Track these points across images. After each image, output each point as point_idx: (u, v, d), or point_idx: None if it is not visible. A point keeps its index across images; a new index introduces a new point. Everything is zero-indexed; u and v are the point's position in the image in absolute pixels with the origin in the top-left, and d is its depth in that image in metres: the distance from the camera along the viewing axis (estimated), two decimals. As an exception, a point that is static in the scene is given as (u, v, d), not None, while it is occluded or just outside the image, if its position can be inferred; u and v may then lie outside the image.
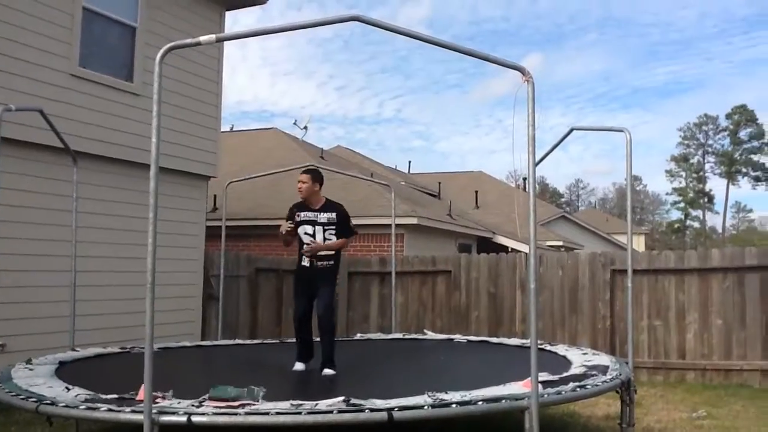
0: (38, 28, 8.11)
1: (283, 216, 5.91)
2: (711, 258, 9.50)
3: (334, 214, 5.79)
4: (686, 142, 69.88)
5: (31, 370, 5.13)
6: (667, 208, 72.26)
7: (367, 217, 13.71)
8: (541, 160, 6.13)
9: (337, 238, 5.79)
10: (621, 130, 5.68)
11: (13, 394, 4.26)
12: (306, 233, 5.73)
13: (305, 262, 5.70)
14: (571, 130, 6.16)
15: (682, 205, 68.70)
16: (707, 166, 69.41)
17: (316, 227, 5.69)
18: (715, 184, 72.28)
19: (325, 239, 5.69)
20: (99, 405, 3.81)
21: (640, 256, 9.89)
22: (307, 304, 5.79)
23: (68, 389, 4.27)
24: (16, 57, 7.87)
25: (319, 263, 5.75)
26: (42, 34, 8.16)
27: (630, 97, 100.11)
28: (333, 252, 5.76)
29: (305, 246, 5.66)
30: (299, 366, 5.82)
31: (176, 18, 9.89)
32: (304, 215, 5.73)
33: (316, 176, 5.87)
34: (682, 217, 68.90)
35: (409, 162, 46.41)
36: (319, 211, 5.74)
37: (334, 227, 5.74)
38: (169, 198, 9.07)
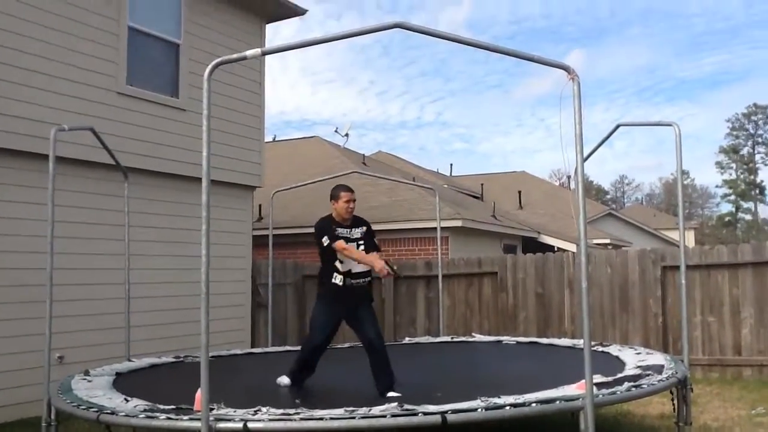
0: (86, 49, 8.35)
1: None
2: (766, 250, 9.26)
3: (364, 228, 5.50)
4: (735, 132, 68.22)
5: (89, 381, 5.27)
6: (717, 202, 70.65)
7: (412, 221, 13.75)
8: (588, 156, 6.06)
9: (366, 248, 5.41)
10: (669, 125, 5.59)
11: (75, 404, 4.39)
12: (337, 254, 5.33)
13: (337, 280, 5.26)
14: (618, 127, 6.08)
15: (732, 197, 67.06)
16: (758, 157, 67.69)
17: (350, 244, 5.30)
18: (766, 175, 70.34)
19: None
20: (158, 414, 3.90)
21: (691, 251, 9.69)
22: (334, 330, 5.43)
23: (127, 400, 4.38)
24: (66, 78, 8.11)
25: (356, 281, 5.32)
26: (89, 55, 8.39)
27: (675, 89, 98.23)
28: (368, 268, 5.34)
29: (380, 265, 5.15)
30: (286, 381, 5.52)
31: (218, 33, 10.08)
32: (339, 232, 5.37)
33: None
34: (733, 209, 67.23)
35: (451, 165, 46.02)
36: (351, 227, 5.43)
37: (363, 242, 5.40)
38: (216, 209, 9.22)
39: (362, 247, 5.38)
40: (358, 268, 5.31)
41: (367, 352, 5.29)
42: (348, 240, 5.33)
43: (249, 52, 3.75)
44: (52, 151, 4.88)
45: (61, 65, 8.06)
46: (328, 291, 5.34)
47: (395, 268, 5.29)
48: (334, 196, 5.46)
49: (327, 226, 5.37)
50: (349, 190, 5.48)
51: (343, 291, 5.28)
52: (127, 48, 8.85)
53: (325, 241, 5.25)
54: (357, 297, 5.34)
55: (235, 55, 3.79)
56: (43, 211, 5.08)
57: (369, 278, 5.40)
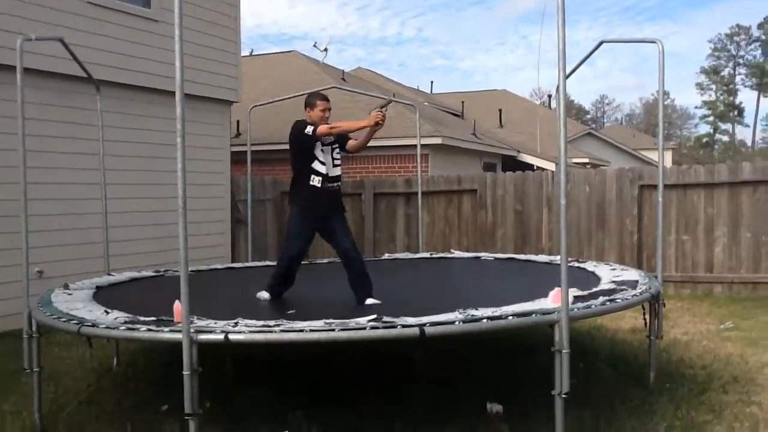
0: (52, -47, 7.97)
1: None
2: (742, 171, 9.36)
3: (335, 144, 5.32)
4: (717, 53, 67.85)
5: (69, 294, 5.27)
6: (695, 122, 70.93)
7: (391, 138, 13.64)
8: (571, 73, 5.97)
9: (341, 149, 5.34)
10: (653, 41, 5.48)
11: (55, 317, 4.38)
12: (317, 159, 5.22)
13: (315, 182, 5.16)
14: (601, 43, 5.95)
15: (711, 118, 67.30)
16: (738, 78, 67.62)
17: (324, 148, 5.22)
18: (746, 97, 70.70)
19: (333, 160, 5.25)
20: (138, 326, 3.91)
21: (669, 170, 9.77)
22: (310, 239, 5.36)
23: (107, 312, 4.39)
24: (32, -16, 7.77)
25: (330, 185, 5.23)
26: (56, -40, 8.02)
27: (659, 8, 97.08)
28: (340, 173, 5.32)
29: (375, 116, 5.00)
30: (266, 295, 5.41)
31: (190, -62, 9.63)
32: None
33: None
34: (711, 131, 67.60)
35: (431, 82, 45.56)
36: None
37: (337, 145, 5.32)
38: (193, 124, 9.03)
39: (335, 152, 5.31)
40: (333, 172, 5.26)
41: (344, 264, 5.33)
42: (323, 144, 5.24)
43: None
44: (20, 61, 4.68)
45: (26, -29, 7.70)
46: (304, 196, 5.25)
47: (384, 104, 5.10)
48: (309, 104, 5.31)
49: (305, 122, 5.24)
50: (326, 98, 5.34)
51: (320, 194, 5.21)
52: (96, -47, 8.46)
53: (309, 129, 5.12)
54: (332, 202, 5.29)
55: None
56: (13, 124, 4.93)
57: (340, 183, 5.36)
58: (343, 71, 19.99)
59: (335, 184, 5.29)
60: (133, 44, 8.94)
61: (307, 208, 5.26)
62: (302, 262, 5.51)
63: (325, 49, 20.30)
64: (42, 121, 7.80)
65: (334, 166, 5.28)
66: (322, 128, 5.10)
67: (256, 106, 9.35)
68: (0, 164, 7.42)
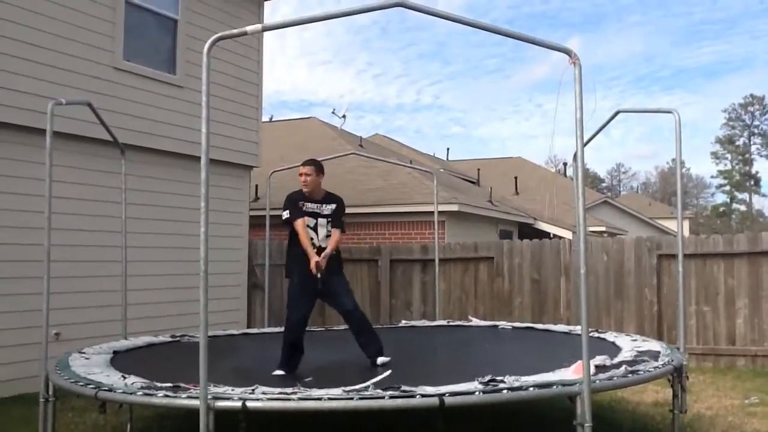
0: (82, 23, 8.26)
1: None
2: (761, 241, 9.27)
3: (334, 206, 5.54)
4: (731, 123, 68.27)
5: (87, 358, 5.26)
6: (712, 192, 70.84)
7: (408, 204, 13.73)
8: (588, 141, 6.03)
9: (332, 227, 5.53)
10: (669, 111, 5.55)
11: (72, 380, 4.37)
12: (307, 225, 5.43)
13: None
14: (617, 113, 6.05)
15: (727, 188, 67.22)
16: (753, 148, 67.82)
17: (319, 220, 5.42)
18: (762, 166, 70.68)
19: (326, 232, 5.44)
20: (155, 392, 3.89)
21: (687, 240, 9.70)
22: (311, 304, 5.45)
23: (124, 377, 4.37)
24: (62, 52, 8.04)
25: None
26: (86, 29, 8.32)
27: (673, 78, 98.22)
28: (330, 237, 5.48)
29: (315, 264, 5.26)
30: (280, 373, 5.25)
31: (216, 9, 9.98)
32: (308, 206, 5.46)
33: (319, 167, 5.60)
34: (728, 200, 67.42)
35: (448, 149, 46.34)
36: (322, 202, 5.49)
37: (331, 219, 5.49)
38: (213, 188, 9.02)
39: (330, 224, 5.50)
40: (324, 242, 5.42)
41: (348, 323, 5.40)
42: (318, 215, 5.45)
43: (249, 28, 3.70)
44: (50, 125, 4.83)
45: (56, 38, 7.98)
46: (297, 264, 5.38)
47: (320, 276, 5.33)
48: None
49: (294, 200, 5.50)
50: (305, 163, 5.56)
51: (303, 262, 5.33)
52: (124, 22, 8.76)
53: (285, 215, 5.42)
54: (329, 265, 5.37)
55: (235, 30, 3.74)
56: (41, 187, 5.03)
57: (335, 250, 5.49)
58: (360, 137, 20.28)
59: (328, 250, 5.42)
60: (158, 109, 9.15)
61: (302, 274, 5.36)
62: (317, 329, 5.49)
63: (344, 116, 20.66)
64: (67, 184, 7.92)
65: (326, 236, 5.45)
66: (297, 225, 5.39)
67: (276, 171, 9.48)
68: (27, 225, 7.50)
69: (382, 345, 5.33)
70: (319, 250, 5.38)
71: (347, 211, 5.81)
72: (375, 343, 5.28)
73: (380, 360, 5.17)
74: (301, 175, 5.49)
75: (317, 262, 5.24)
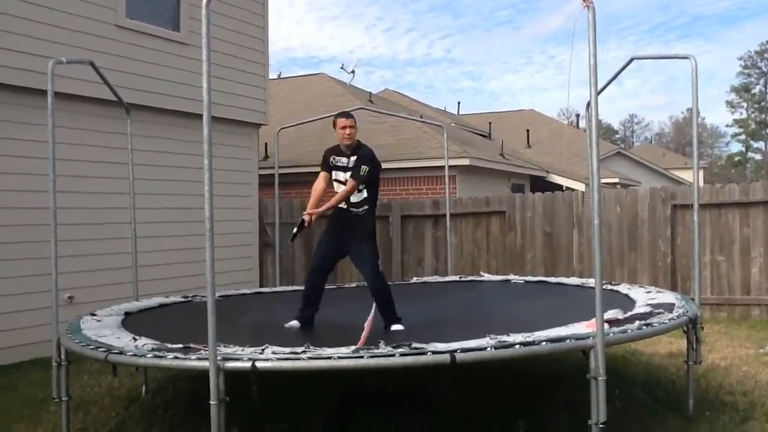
0: (83, -19, 8.10)
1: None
2: (778, 190, 9.13)
3: (357, 156, 5.33)
4: (747, 71, 66.88)
5: (98, 321, 5.26)
6: (727, 141, 69.91)
7: (419, 160, 13.62)
8: (601, 91, 5.84)
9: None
10: (686, 57, 5.37)
11: (84, 344, 4.37)
12: (337, 180, 5.36)
13: (340, 204, 5.25)
14: (632, 60, 5.86)
15: (743, 137, 66.27)
16: (770, 95, 66.51)
17: (347, 173, 5.27)
18: (778, 114, 69.22)
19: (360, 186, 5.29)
20: (165, 354, 3.87)
21: (702, 189, 9.55)
22: (332, 258, 5.39)
23: (135, 339, 4.36)
24: (63, 10, 7.91)
25: (353, 209, 5.29)
26: (88, -13, 8.15)
27: (689, 26, 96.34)
28: (365, 197, 5.28)
29: (304, 215, 5.19)
30: (295, 324, 5.28)
31: (219, -36, 9.76)
32: (338, 161, 5.35)
33: (355, 121, 5.46)
34: (743, 149, 66.55)
35: (458, 103, 45.83)
36: (350, 155, 5.33)
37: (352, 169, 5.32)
38: (221, 147, 9.09)
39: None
40: (355, 197, 5.29)
41: (369, 287, 5.35)
42: (346, 169, 5.33)
43: (251, -20, 3.57)
44: (51, 84, 4.73)
45: (58, -2, 7.84)
46: (330, 216, 5.42)
47: (294, 231, 5.27)
48: (333, 124, 5.42)
49: (326, 156, 5.44)
50: (346, 116, 5.37)
51: (343, 216, 5.31)
52: (126, -20, 8.59)
53: (320, 171, 5.43)
54: (355, 225, 5.31)
55: (236, -17, 3.60)
56: (44, 149, 4.96)
57: (366, 208, 5.35)
58: (370, 93, 20.05)
59: (358, 210, 5.32)
60: (162, 67, 9.03)
61: (330, 225, 5.42)
62: (330, 287, 5.46)
63: (353, 71, 20.39)
64: (72, 145, 7.87)
65: (359, 191, 5.29)
66: (319, 176, 5.44)
67: (284, 128, 9.36)
68: (29, 189, 7.49)
69: (397, 315, 5.23)
70: (353, 204, 5.29)
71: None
72: (389, 312, 5.20)
73: (394, 327, 5.13)
74: (344, 128, 5.29)
75: (308, 213, 5.18)
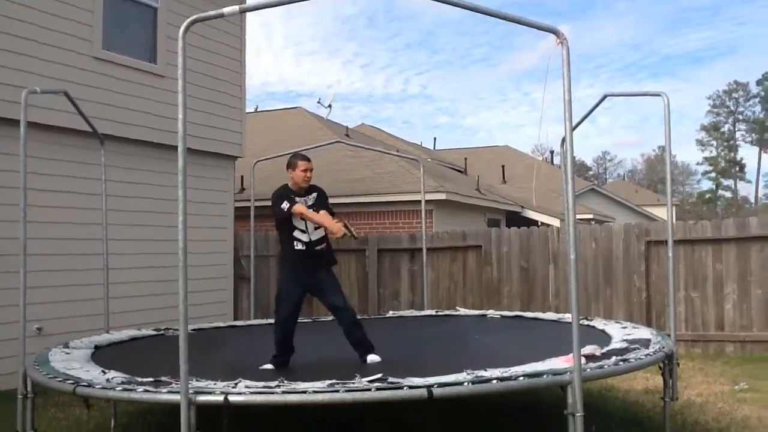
0: (60, 12, 8.11)
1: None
2: (749, 226, 9.27)
3: (315, 194, 5.41)
4: (716, 110, 68.51)
5: (67, 353, 5.14)
6: (697, 179, 71.09)
7: (395, 194, 13.64)
8: (576, 126, 5.93)
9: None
10: (658, 94, 5.48)
11: (51, 376, 4.26)
12: (294, 223, 5.28)
13: (299, 246, 5.23)
14: (605, 97, 5.96)
15: (713, 174, 67.53)
16: (738, 134, 68.10)
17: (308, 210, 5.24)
18: (747, 153, 71.08)
19: (315, 224, 5.24)
20: (135, 387, 3.78)
21: (676, 226, 9.66)
22: (300, 301, 5.36)
23: (104, 372, 4.26)
24: (39, 41, 7.87)
25: (315, 247, 5.29)
26: (64, 18, 8.15)
27: (660, 65, 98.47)
28: (323, 234, 5.32)
29: (341, 227, 5.12)
30: (270, 367, 5.15)
31: (198, -3, 9.80)
32: (297, 201, 5.30)
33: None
34: (714, 187, 67.75)
35: (435, 138, 46.11)
36: (305, 195, 5.37)
37: (316, 209, 5.30)
38: (196, 179, 9.03)
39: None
40: (315, 235, 5.29)
41: (337, 320, 5.31)
42: (305, 206, 5.29)
43: (227, 9, 3.59)
44: (24, 114, 4.68)
45: (33, 27, 7.83)
46: (290, 260, 5.32)
47: (352, 229, 5.25)
48: (290, 165, 5.39)
49: (285, 193, 5.34)
50: (307, 159, 5.42)
51: (305, 257, 5.27)
52: (102, 10, 8.59)
53: (285, 206, 5.20)
54: (318, 261, 5.32)
55: (212, 12, 3.62)
56: (15, 179, 4.89)
57: (326, 244, 5.38)
58: (347, 127, 20.14)
59: (319, 247, 5.33)
60: (138, 99, 8.99)
61: (294, 269, 5.31)
62: (305, 320, 5.39)
63: (329, 105, 20.52)
64: (44, 176, 7.77)
65: (316, 229, 5.30)
66: (297, 208, 5.19)
67: (260, 161, 9.35)
68: (3, 218, 7.35)
69: (372, 344, 5.21)
70: (311, 243, 5.27)
71: (334, 201, 5.69)
72: (363, 342, 5.19)
73: (370, 358, 5.09)
74: (306, 170, 5.33)
75: (341, 221, 5.16)
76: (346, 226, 5.17)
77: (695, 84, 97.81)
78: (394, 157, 14.19)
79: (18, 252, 4.63)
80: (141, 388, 3.75)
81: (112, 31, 8.76)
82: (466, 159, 23.66)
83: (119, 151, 8.57)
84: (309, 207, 5.31)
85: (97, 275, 7.22)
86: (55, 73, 7.92)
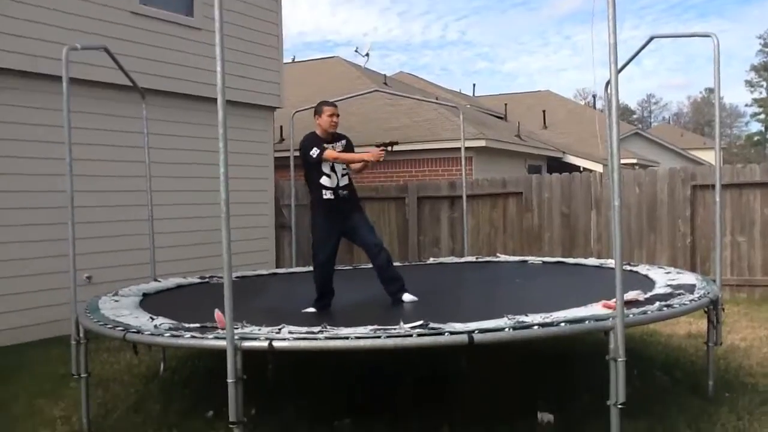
0: (98, -36, 8.09)
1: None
2: (800, 169, 8.99)
3: (344, 141, 5.46)
4: (767, 49, 65.83)
5: (116, 301, 5.30)
6: (746, 121, 68.91)
7: (435, 141, 13.56)
8: (621, 69, 5.77)
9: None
10: (707, 35, 5.27)
11: (101, 323, 4.40)
12: (323, 169, 5.33)
13: (327, 193, 5.29)
14: (651, 39, 5.76)
15: (762, 116, 65.34)
16: (790, 75, 65.45)
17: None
18: (799, 93, 68.15)
19: (343, 171, 5.35)
20: (183, 333, 3.89)
21: (723, 170, 9.42)
22: (336, 244, 5.42)
23: (153, 319, 4.38)
24: (78, -4, 7.90)
25: (341, 192, 5.36)
26: (102, -29, 8.14)
27: (707, 4, 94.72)
28: (348, 181, 5.41)
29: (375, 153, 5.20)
30: (310, 310, 5.29)
31: (233, -55, 9.70)
32: (327, 147, 5.33)
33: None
34: (763, 129, 65.64)
35: (474, 84, 45.55)
36: (333, 141, 5.40)
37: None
38: (236, 130, 9.06)
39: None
40: (342, 182, 5.37)
41: (371, 259, 5.41)
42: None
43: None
44: (65, 71, 4.73)
45: (73, -18, 7.83)
46: (320, 207, 5.38)
47: (388, 141, 5.32)
48: (317, 111, 5.45)
49: (314, 139, 5.37)
50: (333, 105, 5.45)
51: (334, 203, 5.35)
52: (140, -37, 8.57)
53: (314, 152, 5.25)
54: (347, 205, 5.41)
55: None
56: (60, 134, 4.98)
57: (351, 189, 5.46)
58: (385, 75, 19.93)
59: (346, 192, 5.40)
60: (177, 52, 9.02)
61: (327, 214, 5.37)
62: (345, 267, 5.46)
63: (367, 54, 20.23)
64: (87, 130, 7.90)
65: (342, 175, 5.38)
66: (328, 154, 5.25)
67: (298, 111, 9.33)
68: (47, 173, 7.54)
69: (403, 282, 5.30)
70: (341, 187, 5.35)
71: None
72: (397, 281, 5.29)
73: (406, 297, 5.19)
74: (332, 116, 5.37)
75: (381, 151, 5.23)
76: (380, 147, 5.24)
77: (744, 23, 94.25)
78: (433, 104, 14.04)
79: (66, 204, 4.75)
80: (188, 334, 3.85)
81: (149, -16, 8.75)
82: (506, 105, 23.30)
83: (159, 104, 8.65)
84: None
85: (142, 226, 7.37)
86: (94, 29, 7.98)
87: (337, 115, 5.43)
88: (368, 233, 5.41)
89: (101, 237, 8.12)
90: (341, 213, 5.38)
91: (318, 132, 5.42)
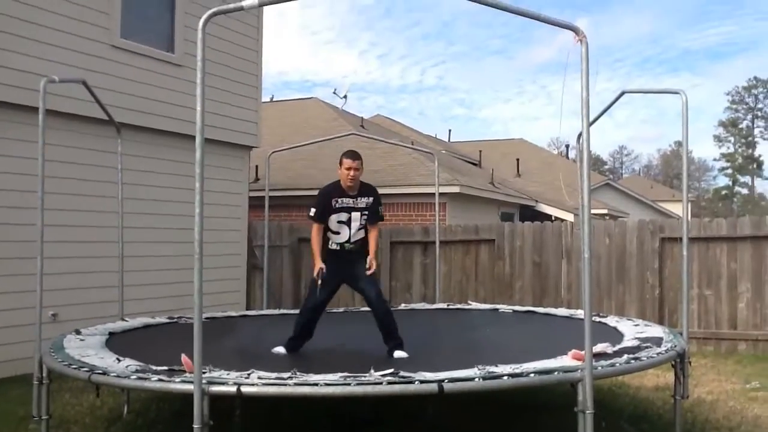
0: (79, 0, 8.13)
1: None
2: (765, 224, 9.20)
3: (371, 199, 5.31)
4: (735, 106, 67.89)
5: (82, 340, 5.20)
6: (714, 175, 70.56)
7: (409, 186, 13.63)
8: (593, 122, 5.91)
9: (369, 223, 5.31)
10: (677, 92, 5.43)
11: (66, 363, 4.31)
12: (339, 221, 5.24)
13: (333, 246, 5.25)
14: (623, 93, 5.92)
15: (730, 171, 66.97)
16: (756, 131, 67.48)
17: (353, 214, 5.22)
18: (765, 149, 70.41)
19: (359, 225, 5.25)
20: (149, 375, 3.82)
21: (691, 223, 9.60)
22: (333, 293, 5.38)
23: (119, 360, 4.31)
24: (57, 29, 7.91)
25: (350, 246, 5.29)
26: (82, 5, 8.19)
27: (678, 60, 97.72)
28: (363, 236, 5.29)
29: (315, 274, 5.21)
30: (281, 350, 5.25)
31: (216, -14, 9.82)
32: (341, 202, 5.24)
33: (362, 162, 5.35)
34: (730, 183, 67.19)
35: (449, 130, 46.15)
36: (357, 196, 5.26)
37: (368, 212, 5.28)
38: (212, 168, 9.04)
39: (364, 217, 5.29)
40: (355, 237, 5.29)
41: (372, 311, 5.30)
42: (352, 209, 5.25)
43: (246, 2, 3.59)
44: (42, 102, 4.73)
45: (51, 15, 7.86)
46: (329, 252, 5.32)
47: (322, 280, 5.22)
48: (340, 162, 5.31)
49: (326, 195, 5.28)
50: (354, 157, 5.25)
51: (339, 254, 5.30)
52: None
53: (312, 212, 5.28)
54: (353, 257, 5.31)
55: (231, 5, 3.63)
56: (34, 166, 4.94)
57: (363, 238, 5.33)
58: (362, 118, 20.13)
59: (353, 246, 5.32)
60: (155, 88, 9.03)
61: (331, 260, 5.29)
62: (336, 310, 5.42)
63: (345, 96, 20.47)
64: (61, 163, 7.84)
65: (358, 229, 5.29)
66: (314, 227, 5.33)
67: (275, 151, 9.38)
68: (18, 206, 7.43)
69: (402, 340, 5.17)
70: (347, 244, 5.28)
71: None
72: (395, 337, 5.16)
73: (396, 354, 5.04)
74: (349, 169, 5.18)
75: (317, 270, 5.20)
76: (318, 275, 5.20)
77: (714, 79, 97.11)
78: (409, 149, 14.18)
79: (35, 238, 4.68)
80: (155, 377, 3.79)
81: (130, 19, 8.79)
82: (480, 152, 23.60)
83: (136, 140, 8.62)
84: (357, 210, 5.26)
85: (112, 263, 7.30)
86: (73, 61, 7.97)
87: (355, 169, 5.20)
88: (368, 285, 5.27)
89: (69, 273, 7.97)
90: (348, 260, 5.30)
91: (341, 182, 5.30)
